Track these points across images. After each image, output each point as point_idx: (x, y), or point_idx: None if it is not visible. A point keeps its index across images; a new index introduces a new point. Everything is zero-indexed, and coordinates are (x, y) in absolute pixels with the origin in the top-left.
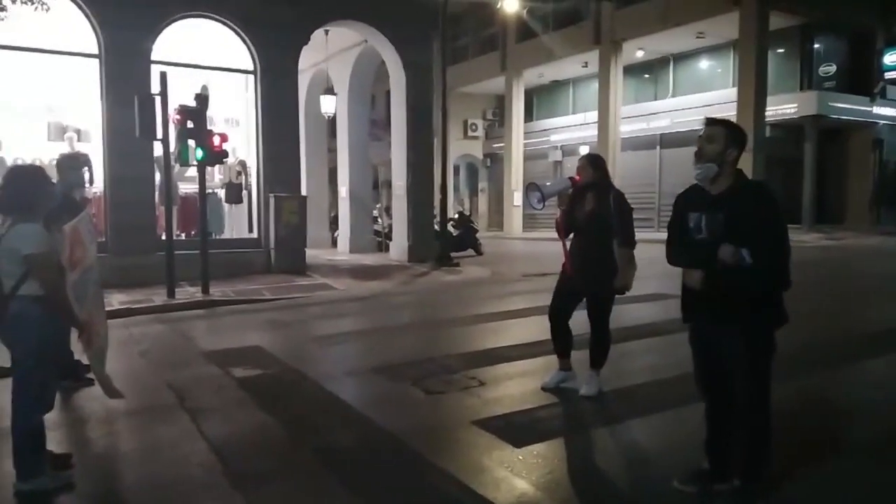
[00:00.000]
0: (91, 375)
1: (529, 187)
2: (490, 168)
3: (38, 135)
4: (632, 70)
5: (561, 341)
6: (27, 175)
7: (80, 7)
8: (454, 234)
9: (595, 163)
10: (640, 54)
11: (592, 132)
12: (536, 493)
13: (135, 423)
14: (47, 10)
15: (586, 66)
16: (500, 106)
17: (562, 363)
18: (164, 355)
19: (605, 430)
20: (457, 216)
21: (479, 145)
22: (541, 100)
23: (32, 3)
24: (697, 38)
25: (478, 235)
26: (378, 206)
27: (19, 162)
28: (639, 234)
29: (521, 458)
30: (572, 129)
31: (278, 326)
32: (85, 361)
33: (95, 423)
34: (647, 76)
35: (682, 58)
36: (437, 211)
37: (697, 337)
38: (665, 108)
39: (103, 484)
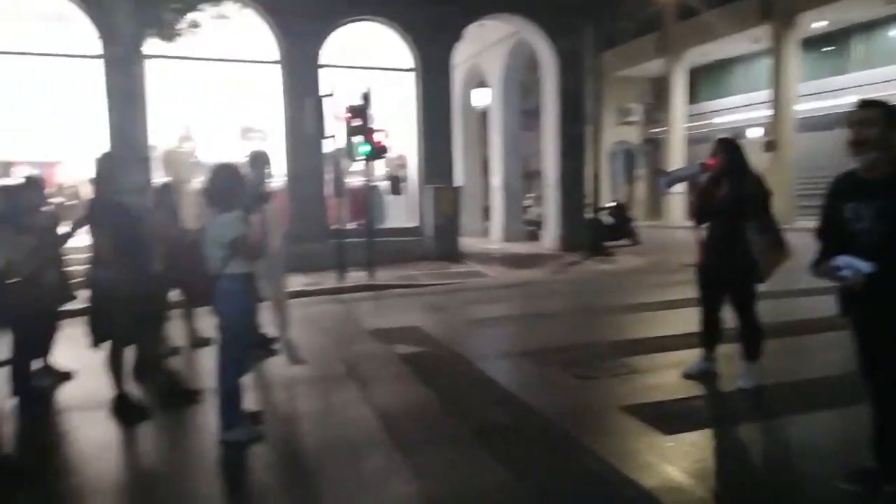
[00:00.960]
0: (276, 346)
1: (658, 173)
2: (648, 154)
3: (229, 135)
4: (810, 43)
5: (707, 331)
6: (228, 172)
7: (265, 19)
8: (608, 223)
9: (730, 146)
10: (819, 25)
11: (762, 113)
12: (685, 480)
13: (312, 388)
14: (234, 23)
15: (757, 43)
16: (659, 89)
17: (705, 353)
18: (336, 332)
19: (762, 423)
20: (612, 204)
21: (635, 131)
22: (704, 81)
23: (226, 18)
24: (889, 2)
25: (634, 224)
26: (530, 195)
27: (215, 161)
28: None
29: (670, 445)
30: (739, 110)
31: (436, 309)
32: (271, 335)
33: (280, 387)
34: (828, 49)
35: (870, 27)
36: (589, 199)
37: (858, 332)
38: (850, 83)
39: (287, 438)
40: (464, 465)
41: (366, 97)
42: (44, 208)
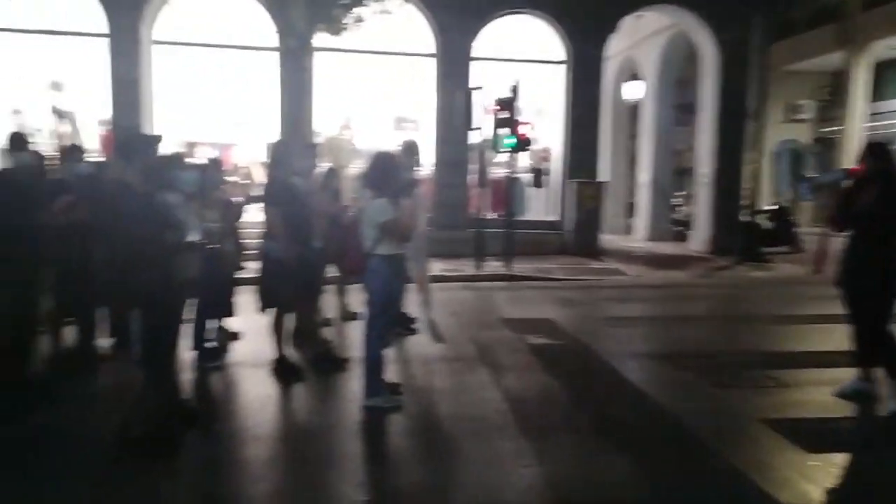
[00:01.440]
0: (415, 326)
1: (800, 179)
2: (819, 155)
3: (384, 124)
4: None
5: (860, 348)
6: (384, 159)
7: (423, 13)
8: (767, 228)
9: (878, 151)
10: None
11: None
12: (825, 501)
13: (445, 367)
14: (394, 17)
15: None
16: (836, 84)
17: (861, 372)
18: (470, 317)
19: None
20: (773, 207)
21: (805, 129)
22: (891, 76)
23: (388, 13)
24: None
25: (797, 230)
26: (679, 193)
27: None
28: None
29: (813, 463)
30: None
31: (570, 304)
32: (413, 314)
33: (417, 363)
34: None
35: None
36: (746, 201)
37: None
38: None
39: (422, 410)
40: (589, 456)
41: (514, 90)
42: (223, 186)
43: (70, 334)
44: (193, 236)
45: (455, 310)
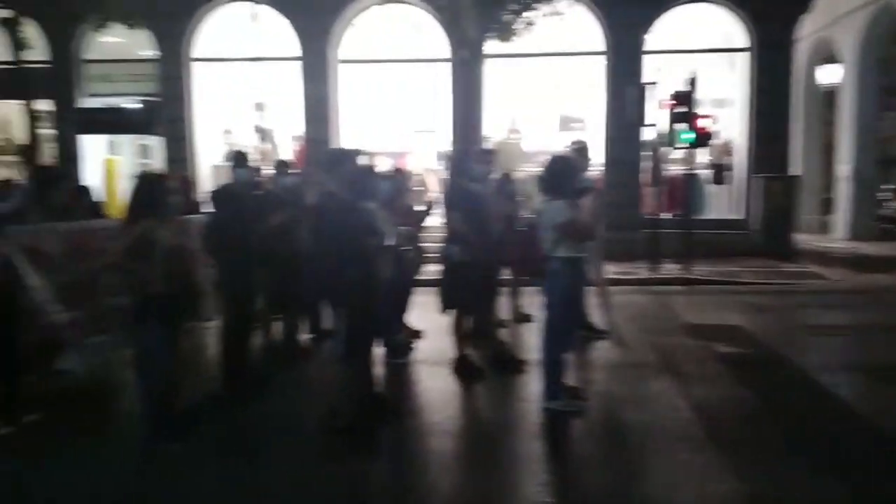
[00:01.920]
0: (598, 329)
1: None
2: None
3: (551, 126)
4: None
5: None
6: (561, 162)
7: (594, 12)
8: None
9: None
10: None
11: None
12: None
13: (627, 373)
14: (563, 18)
15: None
16: None
17: None
18: (648, 323)
19: None
20: None
21: None
22: None
23: (558, 14)
24: None
25: None
26: (887, 186)
27: (546, 151)
28: None
29: None
30: None
31: (760, 310)
32: (593, 318)
33: (597, 368)
34: None
35: None
36: None
37: None
38: None
39: (604, 416)
40: (789, 475)
41: (691, 82)
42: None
43: (277, 331)
44: (389, 241)
45: (632, 314)
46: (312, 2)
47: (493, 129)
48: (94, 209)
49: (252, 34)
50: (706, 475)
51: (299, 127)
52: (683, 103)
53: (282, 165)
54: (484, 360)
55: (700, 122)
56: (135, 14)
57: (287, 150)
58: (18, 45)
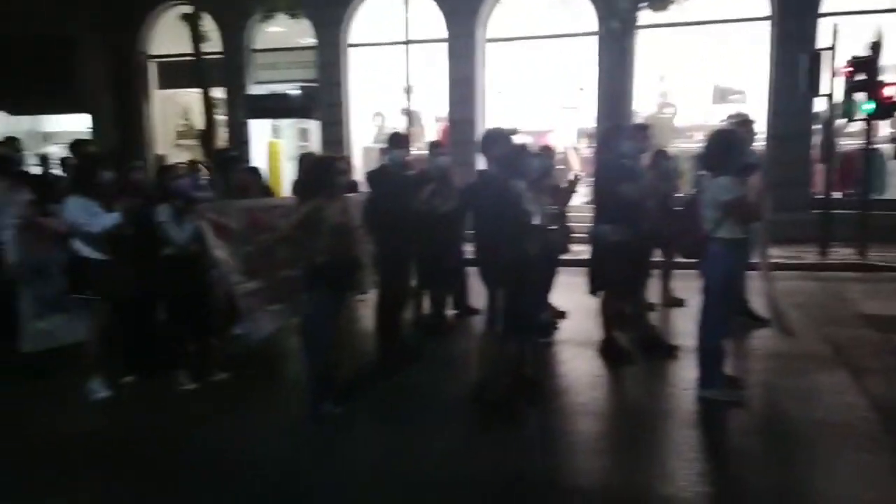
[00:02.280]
0: (761, 315)
1: None
2: None
3: (705, 99)
4: None
5: None
6: (724, 137)
7: None
8: None
9: None
10: None
11: None
12: None
13: (794, 365)
14: None
15: None
16: None
17: None
18: (818, 311)
19: None
20: None
21: None
22: None
23: None
24: None
25: None
26: None
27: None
28: None
29: None
30: None
31: None
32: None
33: (761, 357)
34: None
35: None
36: None
37: None
38: None
39: (767, 409)
40: None
41: (874, 46)
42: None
43: (426, 305)
44: (537, 219)
45: (800, 302)
46: None
47: (643, 104)
48: (264, 189)
49: (401, 18)
50: (888, 480)
51: (444, 108)
52: (864, 70)
53: (434, 146)
54: (632, 344)
55: (886, 91)
56: (297, 4)
57: (432, 131)
58: (197, 38)
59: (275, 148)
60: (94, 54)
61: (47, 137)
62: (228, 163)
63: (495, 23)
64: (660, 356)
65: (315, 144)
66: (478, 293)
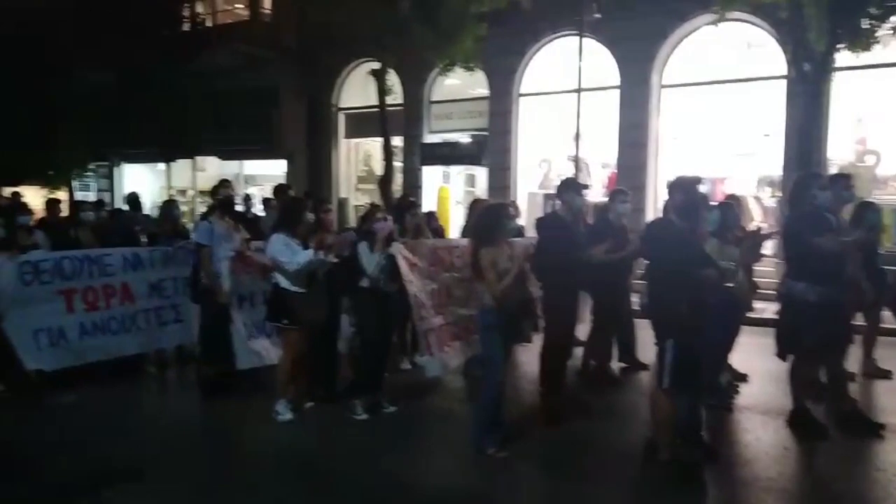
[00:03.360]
0: None
1: None
2: None
3: None
4: None
5: None
6: None
7: None
8: None
9: None
10: None
11: None
12: None
13: None
14: None
15: None
16: None
17: None
18: None
19: None
20: None
21: None
22: None
23: None
24: None
25: None
26: None
27: None
28: None
29: None
30: None
31: None
32: None
33: None
34: None
35: None
36: None
37: None
38: None
39: None
40: None
41: None
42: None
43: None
44: (719, 271)
45: None
46: (637, 30)
47: (838, 151)
48: (437, 232)
49: (572, 67)
50: None
51: (612, 155)
52: None
53: (619, 194)
54: (828, 418)
55: None
56: (475, 57)
57: (599, 178)
58: (382, 91)
59: (444, 193)
60: (292, 106)
61: (248, 180)
62: (408, 207)
63: (672, 68)
64: (861, 434)
65: (482, 190)
66: (646, 346)
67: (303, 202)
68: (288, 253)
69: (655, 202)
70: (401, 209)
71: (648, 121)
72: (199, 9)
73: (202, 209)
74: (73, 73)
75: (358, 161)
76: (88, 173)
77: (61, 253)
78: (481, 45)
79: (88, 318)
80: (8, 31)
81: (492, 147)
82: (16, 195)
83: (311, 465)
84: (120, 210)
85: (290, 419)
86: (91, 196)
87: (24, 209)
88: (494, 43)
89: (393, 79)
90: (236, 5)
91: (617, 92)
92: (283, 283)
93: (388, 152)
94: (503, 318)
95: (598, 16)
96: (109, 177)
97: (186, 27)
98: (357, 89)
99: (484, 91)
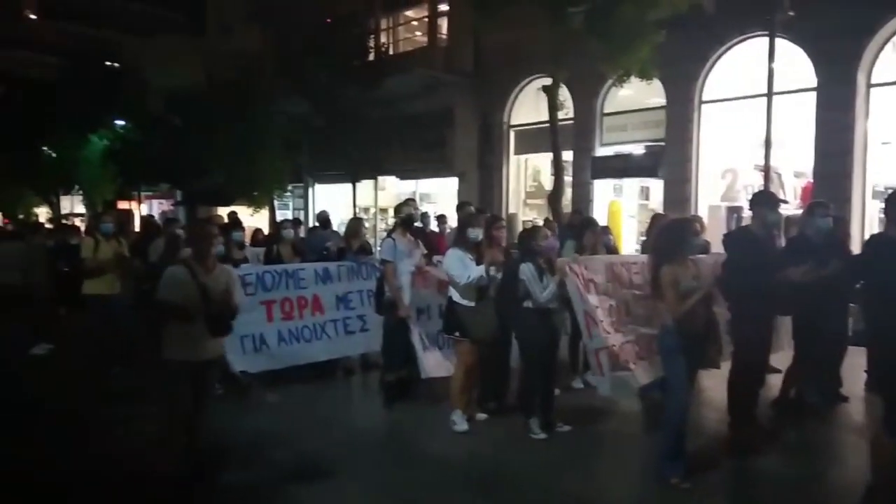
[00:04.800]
0: None
1: None
2: None
3: None
4: None
5: None
6: None
7: None
8: None
9: None
10: None
11: None
12: None
13: None
14: None
15: None
16: None
17: None
18: None
19: None
20: None
21: None
22: None
23: None
24: None
25: None
26: None
27: None
28: None
29: None
30: None
31: None
32: None
33: None
34: None
35: None
36: None
37: None
38: None
39: None
40: None
41: None
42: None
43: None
44: None
45: None
46: (838, 26)
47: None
48: (610, 246)
49: (760, 70)
50: None
51: (807, 163)
52: None
53: (818, 207)
54: None
55: None
56: (651, 66)
57: (791, 188)
58: (553, 106)
59: (615, 207)
60: (465, 126)
61: (423, 198)
62: (582, 225)
63: (882, 66)
64: None
65: (657, 203)
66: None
67: (474, 218)
68: (460, 267)
69: (863, 216)
70: (580, 227)
71: (854, 124)
72: (383, 38)
73: (382, 226)
74: (274, 105)
75: (527, 177)
76: (287, 193)
77: (263, 267)
78: (658, 54)
79: (285, 327)
80: (228, 76)
81: (669, 158)
82: (232, 214)
83: (491, 477)
84: (314, 227)
85: (466, 430)
86: (288, 214)
87: (239, 226)
88: (673, 50)
89: (564, 93)
90: (416, 33)
91: (813, 94)
92: (456, 296)
93: (558, 167)
94: (686, 340)
95: (791, 13)
96: (304, 196)
97: (371, 57)
98: (528, 106)
99: (661, 100)
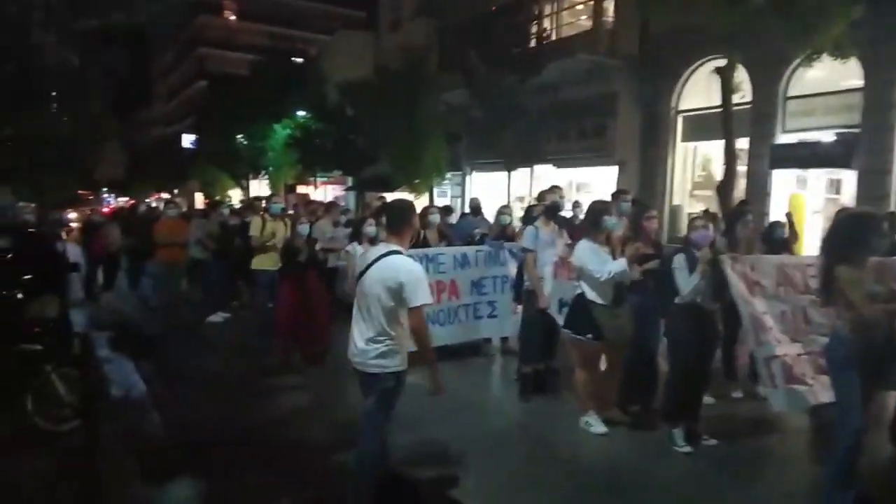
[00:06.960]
0: None
1: None
2: None
3: None
4: None
5: None
6: None
7: None
8: None
9: None
10: None
11: None
12: None
13: None
14: None
15: None
16: None
17: None
18: None
19: None
20: None
21: None
22: None
23: None
24: None
25: None
26: None
27: None
28: None
29: None
30: None
31: None
32: None
33: None
34: None
35: None
36: None
37: None
38: None
39: None
40: None
41: None
42: None
43: None
44: None
45: None
46: None
47: None
48: (784, 245)
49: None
50: None
51: None
52: None
53: None
54: None
55: None
56: (847, 44)
57: None
58: (728, 90)
59: (797, 201)
60: (628, 112)
61: (580, 187)
62: (737, 216)
63: None
64: None
65: (849, 197)
66: None
67: (605, 206)
68: (596, 261)
69: None
70: (731, 217)
71: None
72: (546, 24)
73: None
74: (437, 96)
75: (695, 166)
76: (445, 181)
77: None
78: (856, 29)
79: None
80: (396, 69)
81: (865, 147)
82: (381, 199)
83: (624, 486)
84: (465, 214)
85: (604, 432)
86: (447, 201)
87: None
88: (874, 25)
89: (741, 75)
90: (581, 17)
91: None
92: (591, 293)
93: (730, 155)
94: (861, 353)
95: None
96: (462, 184)
97: (532, 43)
98: (699, 90)
99: (858, 82)
